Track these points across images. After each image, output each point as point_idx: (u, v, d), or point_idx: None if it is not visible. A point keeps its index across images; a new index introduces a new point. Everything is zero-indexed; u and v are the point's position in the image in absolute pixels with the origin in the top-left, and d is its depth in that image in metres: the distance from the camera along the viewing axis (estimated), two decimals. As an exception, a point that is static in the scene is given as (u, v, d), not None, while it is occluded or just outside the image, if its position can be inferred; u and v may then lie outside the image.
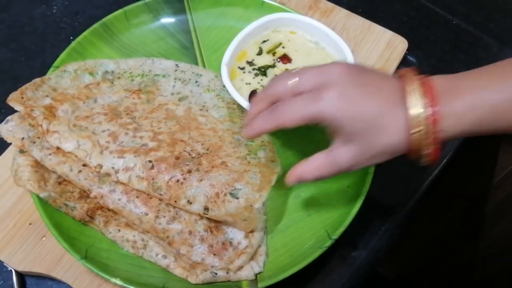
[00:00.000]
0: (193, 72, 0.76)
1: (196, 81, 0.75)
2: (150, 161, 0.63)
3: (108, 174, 0.63)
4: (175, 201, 0.62)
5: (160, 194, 0.62)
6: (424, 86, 0.50)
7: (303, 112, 0.51)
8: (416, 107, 0.49)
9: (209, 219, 0.63)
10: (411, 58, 0.84)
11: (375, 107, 0.50)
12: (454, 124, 0.49)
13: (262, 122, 0.55)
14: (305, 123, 0.52)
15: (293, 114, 0.52)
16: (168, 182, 0.62)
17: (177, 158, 0.64)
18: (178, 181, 0.62)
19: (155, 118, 0.70)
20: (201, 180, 0.62)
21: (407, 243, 1.18)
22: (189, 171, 0.62)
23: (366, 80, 0.52)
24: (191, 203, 0.61)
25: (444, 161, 0.75)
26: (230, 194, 0.60)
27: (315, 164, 0.55)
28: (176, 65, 0.76)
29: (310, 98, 0.51)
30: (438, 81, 0.51)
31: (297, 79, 0.53)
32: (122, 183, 0.63)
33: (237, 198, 0.60)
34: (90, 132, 0.66)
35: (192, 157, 0.64)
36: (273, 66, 0.73)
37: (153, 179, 0.62)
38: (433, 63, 0.84)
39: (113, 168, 0.63)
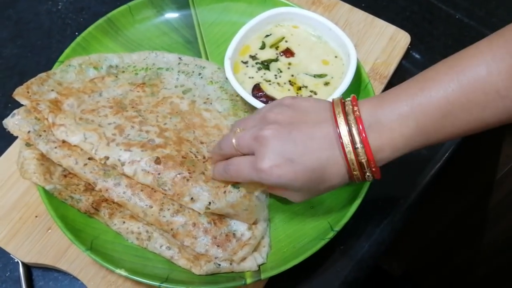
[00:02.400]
0: (196, 65, 0.76)
1: (200, 74, 0.76)
2: (157, 157, 0.63)
3: (114, 166, 0.64)
4: (179, 198, 0.62)
5: (165, 190, 0.63)
6: (353, 125, 0.53)
7: (247, 177, 0.57)
8: (351, 151, 0.53)
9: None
10: (414, 53, 0.84)
11: (311, 164, 0.53)
12: (387, 155, 0.54)
13: (220, 175, 0.62)
14: None
15: (240, 176, 0.58)
16: (174, 179, 0.63)
17: (184, 157, 0.65)
18: (184, 177, 0.63)
19: (160, 113, 0.70)
20: (207, 182, 0.63)
21: (411, 239, 1.18)
22: (195, 172, 0.63)
23: (297, 134, 0.54)
24: (194, 200, 0.62)
25: (446, 155, 0.76)
26: (232, 185, 0.61)
27: (273, 191, 0.61)
28: (179, 58, 0.77)
29: (250, 166, 0.56)
30: (365, 115, 0.53)
31: (237, 144, 0.58)
32: (127, 177, 0.64)
33: (238, 188, 0.60)
34: (96, 125, 0.67)
35: (198, 160, 0.65)
36: (276, 60, 0.74)
37: (159, 174, 0.63)
38: (436, 57, 0.83)
39: (119, 160, 0.64)
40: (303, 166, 0.53)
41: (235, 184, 0.61)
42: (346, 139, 0.53)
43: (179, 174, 0.63)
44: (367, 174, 0.54)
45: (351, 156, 0.53)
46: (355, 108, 0.54)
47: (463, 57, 0.51)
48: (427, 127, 0.51)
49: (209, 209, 0.62)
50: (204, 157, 0.66)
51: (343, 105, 0.55)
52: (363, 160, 0.53)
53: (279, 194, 0.61)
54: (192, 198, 0.62)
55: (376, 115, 0.53)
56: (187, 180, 0.63)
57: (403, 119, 0.52)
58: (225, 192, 0.61)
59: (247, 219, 0.62)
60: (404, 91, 0.53)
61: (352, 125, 0.53)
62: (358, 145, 0.52)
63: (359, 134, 0.52)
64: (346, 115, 0.54)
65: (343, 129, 0.53)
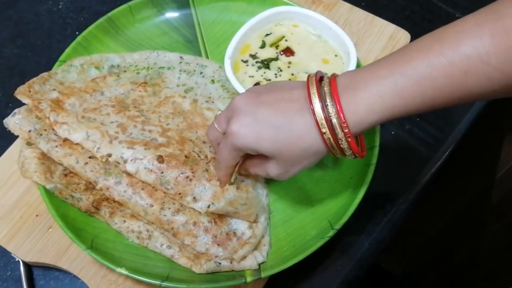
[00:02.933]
0: (197, 64, 0.77)
1: (201, 72, 0.76)
2: (160, 156, 0.64)
3: (116, 164, 0.64)
4: (181, 197, 0.62)
5: (167, 189, 0.63)
6: (326, 86, 0.51)
7: (226, 154, 0.57)
8: (319, 108, 0.50)
9: (213, 210, 0.64)
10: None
11: (277, 121, 0.52)
12: (362, 116, 0.50)
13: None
14: (238, 159, 0.58)
15: (223, 156, 0.58)
16: (177, 178, 0.63)
17: (187, 157, 0.65)
18: (187, 177, 0.63)
19: (162, 113, 0.71)
20: (210, 180, 0.63)
21: (411, 237, 1.19)
22: (198, 171, 0.64)
23: (266, 98, 0.54)
24: (196, 200, 0.62)
25: (447, 153, 0.76)
26: (229, 183, 0.61)
27: (256, 170, 0.60)
28: (181, 57, 0.77)
29: (225, 138, 0.56)
30: (342, 78, 0.52)
31: (217, 123, 0.58)
32: (128, 175, 0.64)
33: (232, 183, 0.61)
34: (98, 123, 0.67)
35: (201, 159, 0.65)
36: (276, 59, 0.74)
37: (162, 172, 0.63)
38: (436, 56, 0.84)
39: (122, 157, 0.64)
40: (268, 123, 0.52)
41: (231, 183, 0.61)
42: (314, 97, 0.51)
43: (182, 173, 0.63)
44: (341, 140, 0.51)
45: (319, 110, 0.50)
46: (331, 74, 0.53)
47: (448, 27, 0.49)
48: (406, 89, 0.49)
49: (209, 209, 0.62)
50: (206, 157, 0.66)
51: (319, 74, 0.54)
52: (333, 119, 0.50)
53: (260, 172, 0.59)
54: (194, 198, 0.62)
55: (352, 78, 0.51)
56: (190, 180, 0.63)
57: (380, 79, 0.49)
58: (223, 191, 0.61)
59: (248, 215, 0.62)
60: (384, 59, 0.51)
61: (325, 86, 0.51)
62: (328, 101, 0.50)
63: (331, 92, 0.50)
64: (319, 80, 0.52)
65: (313, 89, 0.51)
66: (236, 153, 0.56)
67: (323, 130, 0.51)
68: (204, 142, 0.68)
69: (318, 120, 0.50)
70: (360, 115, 0.50)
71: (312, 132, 0.52)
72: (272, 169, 0.56)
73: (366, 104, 0.50)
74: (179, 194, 0.62)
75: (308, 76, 0.54)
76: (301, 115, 0.52)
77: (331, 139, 0.51)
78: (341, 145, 0.52)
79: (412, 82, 0.48)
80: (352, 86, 0.51)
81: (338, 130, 0.50)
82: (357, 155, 0.53)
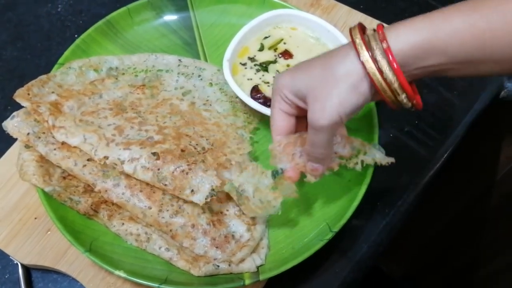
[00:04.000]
0: (196, 66, 0.77)
1: (199, 75, 0.76)
2: (156, 153, 0.64)
3: (114, 165, 0.64)
4: (180, 191, 0.62)
5: (165, 185, 0.63)
6: (370, 30, 0.51)
7: (272, 109, 0.58)
8: (357, 35, 0.50)
9: (211, 212, 0.64)
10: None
11: (314, 59, 0.54)
12: (402, 31, 0.48)
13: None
14: (283, 117, 0.57)
15: (272, 118, 0.59)
16: (173, 173, 0.63)
17: (183, 150, 0.64)
18: (183, 171, 0.63)
19: (159, 113, 0.71)
20: (206, 171, 0.62)
21: (410, 240, 1.19)
22: (195, 163, 0.63)
23: (314, 57, 0.56)
24: (194, 192, 0.62)
25: (446, 155, 0.76)
26: (272, 172, 0.60)
27: (309, 137, 0.55)
28: (179, 60, 0.77)
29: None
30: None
31: None
32: (127, 177, 0.64)
33: (274, 177, 0.60)
34: (96, 126, 0.67)
35: (198, 151, 0.65)
36: (275, 61, 0.74)
37: (158, 169, 0.63)
38: (435, 58, 0.84)
39: (119, 159, 0.64)
40: (306, 63, 0.55)
41: (275, 173, 0.60)
42: (355, 31, 0.51)
43: (178, 167, 0.63)
44: (378, 56, 0.48)
45: (357, 37, 0.50)
46: (380, 32, 0.50)
47: None
48: (455, 19, 0.46)
49: (215, 190, 0.61)
50: (203, 149, 0.66)
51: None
52: (369, 33, 0.50)
53: (310, 134, 0.54)
54: (192, 191, 0.62)
55: (403, 21, 0.50)
56: (186, 173, 0.62)
57: (428, 14, 0.48)
58: (263, 173, 0.60)
59: (251, 211, 0.60)
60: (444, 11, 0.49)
61: (369, 31, 0.51)
62: (369, 31, 0.50)
63: (376, 28, 0.50)
64: (368, 37, 0.51)
65: (355, 30, 0.51)
66: (278, 101, 0.56)
67: (357, 41, 0.49)
68: (201, 137, 0.68)
69: (353, 37, 0.50)
70: (403, 34, 0.48)
71: (347, 50, 0.51)
72: (310, 112, 0.52)
73: (409, 23, 0.48)
74: (178, 188, 0.62)
75: (351, 31, 0.52)
76: (338, 51, 0.52)
77: (372, 64, 0.48)
78: (379, 61, 0.48)
79: (462, 14, 0.47)
80: (398, 23, 0.49)
81: (373, 41, 0.49)
82: (404, 85, 0.49)
